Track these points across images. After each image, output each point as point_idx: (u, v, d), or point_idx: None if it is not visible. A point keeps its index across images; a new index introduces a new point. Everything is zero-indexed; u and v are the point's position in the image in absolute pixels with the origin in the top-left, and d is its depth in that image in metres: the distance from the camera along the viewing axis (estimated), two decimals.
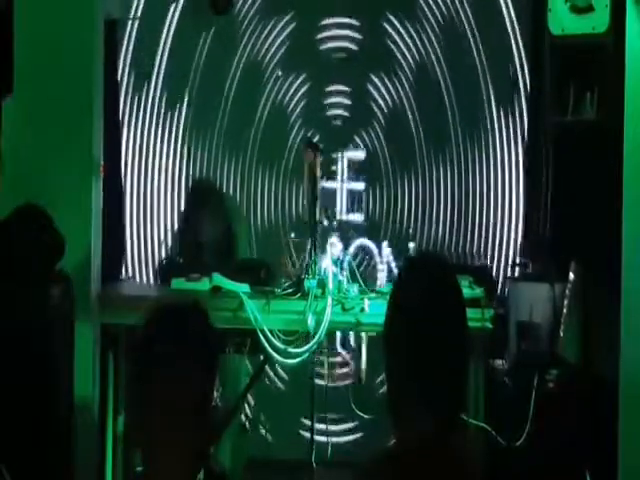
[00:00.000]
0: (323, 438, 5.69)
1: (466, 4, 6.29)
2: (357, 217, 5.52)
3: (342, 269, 5.02)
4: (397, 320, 2.39)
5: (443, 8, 6.34)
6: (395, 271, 4.99)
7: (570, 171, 5.29)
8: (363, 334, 5.29)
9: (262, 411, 6.03)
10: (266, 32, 6.43)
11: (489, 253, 6.28)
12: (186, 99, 6.35)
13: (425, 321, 2.34)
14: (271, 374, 6.12)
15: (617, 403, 4.47)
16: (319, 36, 6.45)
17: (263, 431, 6.01)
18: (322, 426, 5.51)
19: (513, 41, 6.16)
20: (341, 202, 5.47)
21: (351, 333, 5.50)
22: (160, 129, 6.34)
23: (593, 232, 4.96)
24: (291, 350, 4.87)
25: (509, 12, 6.16)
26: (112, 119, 5.64)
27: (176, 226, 6.18)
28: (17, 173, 4.97)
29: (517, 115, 6.20)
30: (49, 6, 5.05)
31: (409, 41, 6.39)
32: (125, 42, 6.13)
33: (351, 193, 5.51)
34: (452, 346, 2.35)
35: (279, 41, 6.43)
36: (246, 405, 5.80)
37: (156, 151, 6.33)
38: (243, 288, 4.99)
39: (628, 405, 4.46)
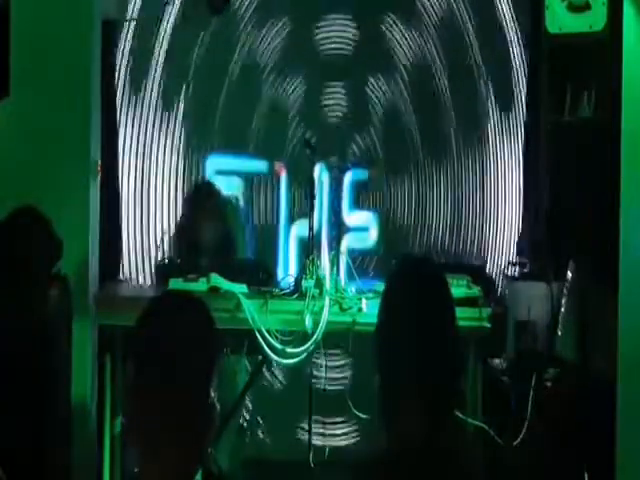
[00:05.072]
0: (321, 437, 5.69)
1: (463, 4, 6.28)
2: None
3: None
4: (388, 321, 2.41)
5: (440, 8, 6.33)
6: None
7: (567, 169, 5.29)
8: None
9: (260, 411, 6.02)
10: (263, 32, 6.43)
11: (487, 252, 6.29)
12: (183, 99, 6.34)
13: (415, 322, 2.36)
14: (269, 374, 6.11)
15: (615, 402, 4.47)
16: (317, 36, 6.45)
17: (261, 431, 6.00)
18: (320, 426, 5.52)
19: (511, 40, 6.16)
20: None
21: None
22: (157, 129, 6.33)
23: (591, 231, 4.97)
24: (289, 350, 4.87)
25: (506, 12, 6.16)
26: (109, 119, 5.63)
27: (174, 226, 6.18)
28: (14, 174, 4.97)
29: (515, 113, 6.20)
30: (46, 7, 5.04)
31: (406, 40, 6.39)
32: (122, 42, 6.12)
33: None
34: (442, 346, 2.37)
35: (276, 41, 6.43)
36: (244, 405, 5.79)
37: (154, 151, 6.33)
38: (241, 288, 4.98)
39: (626, 404, 4.46)
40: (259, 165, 6.43)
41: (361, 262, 6.23)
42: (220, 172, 6.35)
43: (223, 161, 6.40)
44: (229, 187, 6.26)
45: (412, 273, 2.51)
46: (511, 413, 4.91)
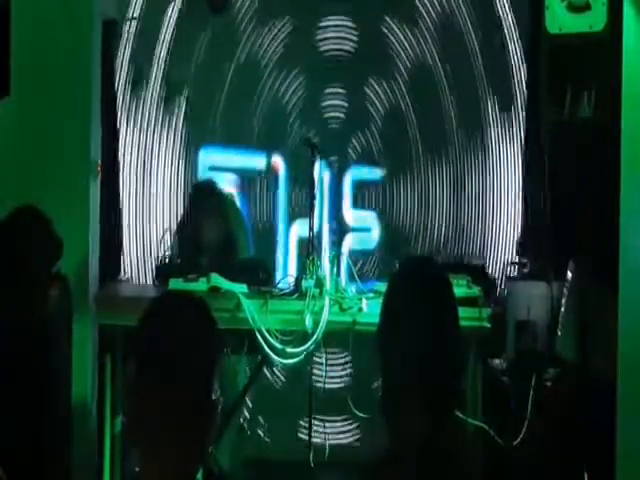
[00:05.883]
0: (321, 437, 5.69)
1: (463, 4, 6.28)
2: None
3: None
4: (390, 321, 2.41)
5: (440, 9, 6.33)
6: None
7: (568, 169, 5.29)
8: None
9: (260, 411, 6.02)
10: (264, 33, 6.42)
11: (487, 252, 6.28)
12: (184, 98, 6.34)
13: (418, 322, 2.36)
14: (269, 374, 6.11)
15: (615, 402, 4.47)
16: (317, 37, 6.44)
17: (261, 431, 6.00)
18: (320, 425, 5.52)
19: (511, 40, 6.16)
20: None
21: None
22: (157, 128, 6.33)
23: (591, 230, 4.96)
24: (289, 350, 4.87)
25: (506, 12, 6.16)
26: (110, 119, 5.63)
27: (174, 226, 6.17)
28: (14, 174, 4.97)
29: (515, 114, 6.20)
30: (46, 7, 5.04)
31: (406, 40, 6.39)
32: (123, 42, 6.11)
33: None
34: (444, 346, 2.37)
35: (277, 41, 6.42)
36: (244, 405, 5.79)
37: (154, 151, 6.32)
38: (241, 288, 4.98)
39: (626, 404, 4.46)
40: (259, 163, 6.44)
41: (362, 262, 6.23)
42: (219, 169, 6.36)
43: (223, 159, 6.40)
44: (228, 185, 6.26)
45: (416, 274, 2.50)
46: (511, 413, 4.91)
